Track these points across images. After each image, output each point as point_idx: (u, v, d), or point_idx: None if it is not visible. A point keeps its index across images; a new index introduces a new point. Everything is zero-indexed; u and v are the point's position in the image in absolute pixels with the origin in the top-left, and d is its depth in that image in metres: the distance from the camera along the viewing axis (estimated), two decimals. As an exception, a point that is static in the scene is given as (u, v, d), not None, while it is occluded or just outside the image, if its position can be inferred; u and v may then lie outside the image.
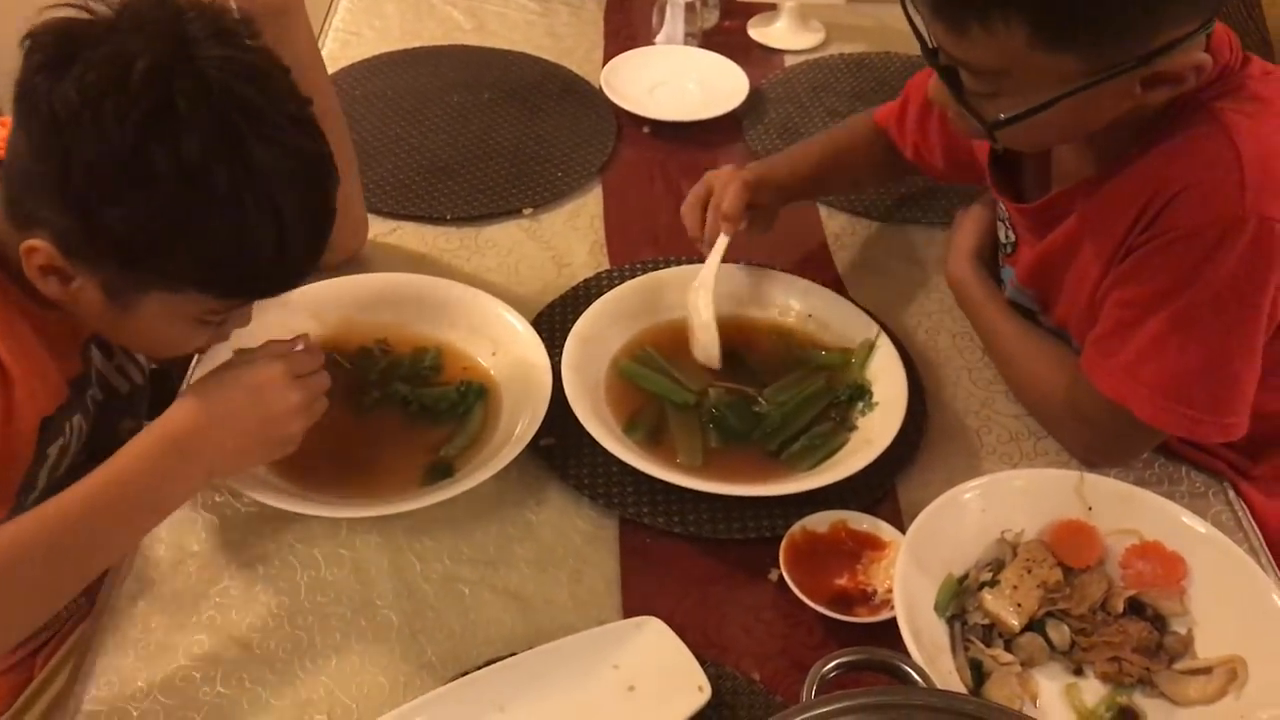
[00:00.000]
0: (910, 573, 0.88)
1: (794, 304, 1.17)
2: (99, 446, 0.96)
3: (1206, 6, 0.87)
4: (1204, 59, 0.87)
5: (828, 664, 0.76)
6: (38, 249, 0.82)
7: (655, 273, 1.19)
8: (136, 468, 0.84)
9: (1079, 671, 0.89)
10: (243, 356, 0.91)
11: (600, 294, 1.18)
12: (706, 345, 1.11)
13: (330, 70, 1.54)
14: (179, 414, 0.87)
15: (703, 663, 0.87)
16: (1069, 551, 0.94)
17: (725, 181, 1.16)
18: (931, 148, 1.22)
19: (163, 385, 1.12)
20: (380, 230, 1.30)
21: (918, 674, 0.76)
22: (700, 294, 1.12)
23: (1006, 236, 1.15)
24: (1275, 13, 1.66)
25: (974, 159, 1.15)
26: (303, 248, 0.85)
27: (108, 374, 1.02)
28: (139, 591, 0.93)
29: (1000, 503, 0.95)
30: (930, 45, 0.93)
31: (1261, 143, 0.90)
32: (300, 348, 0.93)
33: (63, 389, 0.93)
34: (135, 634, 0.90)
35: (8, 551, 0.78)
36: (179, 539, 0.97)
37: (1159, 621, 0.91)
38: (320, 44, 1.63)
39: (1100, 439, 1.04)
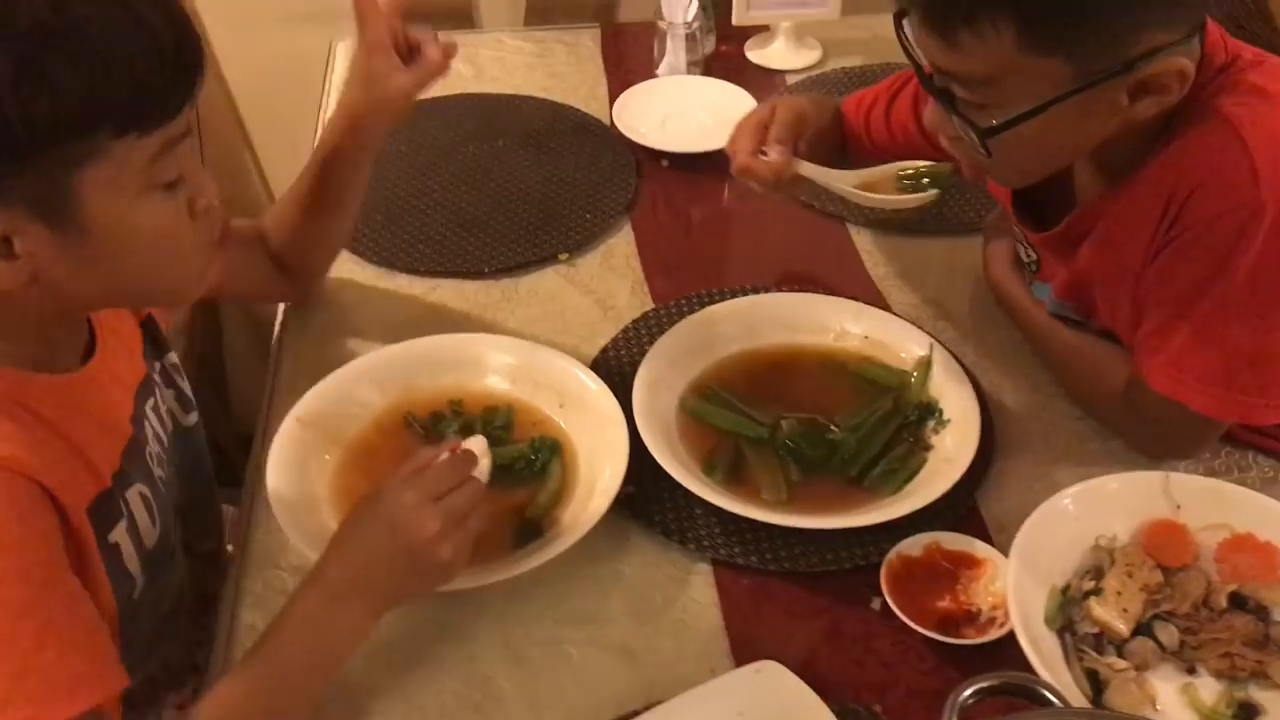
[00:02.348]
0: (1023, 586, 0.89)
1: (850, 327, 1.18)
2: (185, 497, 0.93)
3: (1190, 15, 0.90)
4: (1187, 65, 0.90)
5: (965, 691, 0.77)
6: None
7: (708, 309, 1.20)
8: (302, 631, 0.84)
9: (1191, 670, 0.90)
10: (380, 487, 0.88)
11: (650, 334, 1.19)
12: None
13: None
14: (329, 568, 0.86)
15: (823, 699, 0.88)
16: (1164, 552, 0.95)
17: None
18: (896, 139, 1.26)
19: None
20: (420, 290, 1.30)
21: (1053, 695, 0.77)
22: (830, 179, 1.20)
23: (1027, 256, 1.18)
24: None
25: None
26: (173, 37, 0.76)
27: (158, 431, 0.97)
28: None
29: (1092, 509, 0.96)
30: (924, 69, 0.96)
31: (1267, 131, 0.92)
32: (444, 456, 0.90)
33: (105, 469, 0.87)
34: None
35: None
36: (278, 628, 0.96)
37: (1262, 613, 0.92)
38: (323, 104, 1.63)
39: (1163, 435, 1.06)
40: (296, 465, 1.03)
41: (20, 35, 0.70)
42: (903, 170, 1.20)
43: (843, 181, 1.20)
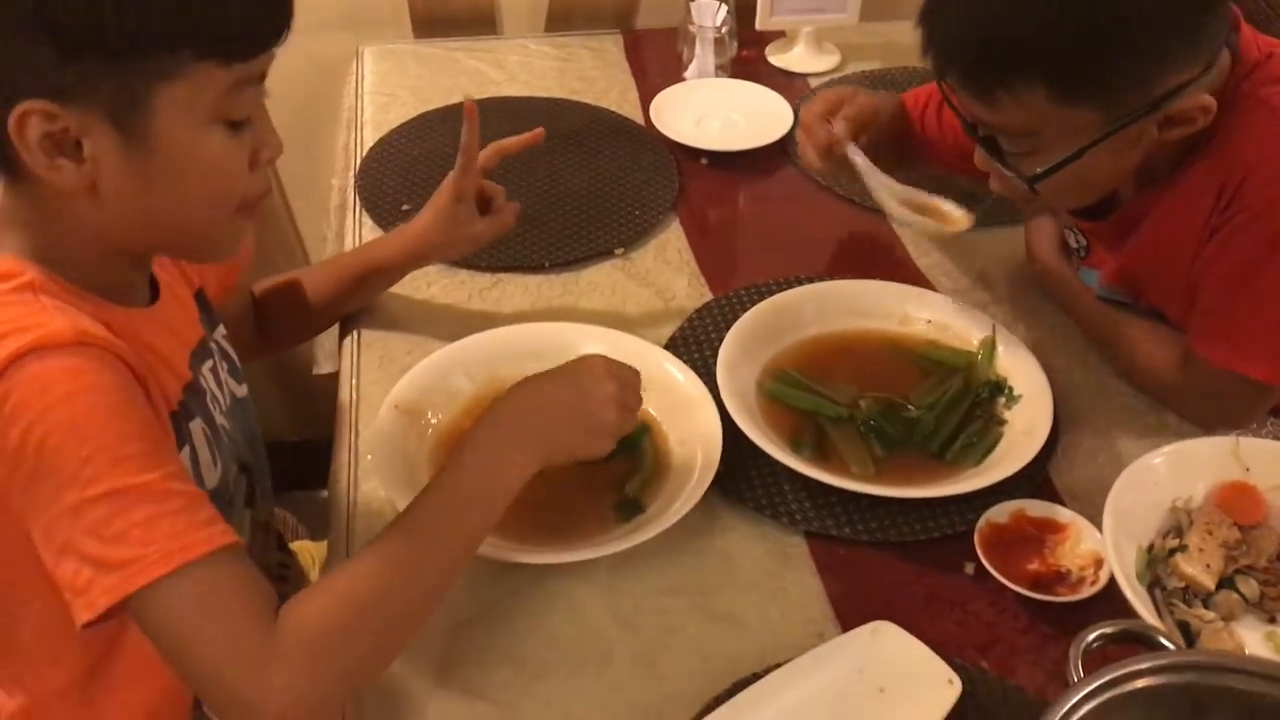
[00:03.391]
0: (1119, 542, 0.94)
1: (913, 312, 1.23)
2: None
3: (1203, 55, 0.98)
4: (1209, 101, 0.98)
5: (1090, 636, 0.81)
6: (30, 110, 0.75)
7: (778, 296, 1.23)
8: (475, 462, 0.87)
9: (1273, 620, 0.96)
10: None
11: (715, 323, 1.22)
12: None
13: (379, 133, 1.58)
14: (507, 404, 0.92)
15: (934, 657, 0.92)
16: (1237, 511, 1.01)
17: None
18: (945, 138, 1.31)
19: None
20: (482, 284, 1.32)
21: (1168, 641, 0.82)
22: (873, 180, 1.25)
23: (1077, 242, 1.24)
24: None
25: None
26: None
27: (215, 391, 0.99)
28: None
29: (1170, 472, 1.01)
30: (969, 121, 1.04)
31: None
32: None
33: (177, 390, 0.91)
34: (390, 698, 0.91)
35: (380, 570, 0.80)
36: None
37: (1333, 564, 0.98)
38: (359, 110, 1.65)
39: (1219, 407, 1.12)
40: (397, 450, 1.05)
41: None
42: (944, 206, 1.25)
43: (883, 188, 1.25)
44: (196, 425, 0.91)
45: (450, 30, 1.83)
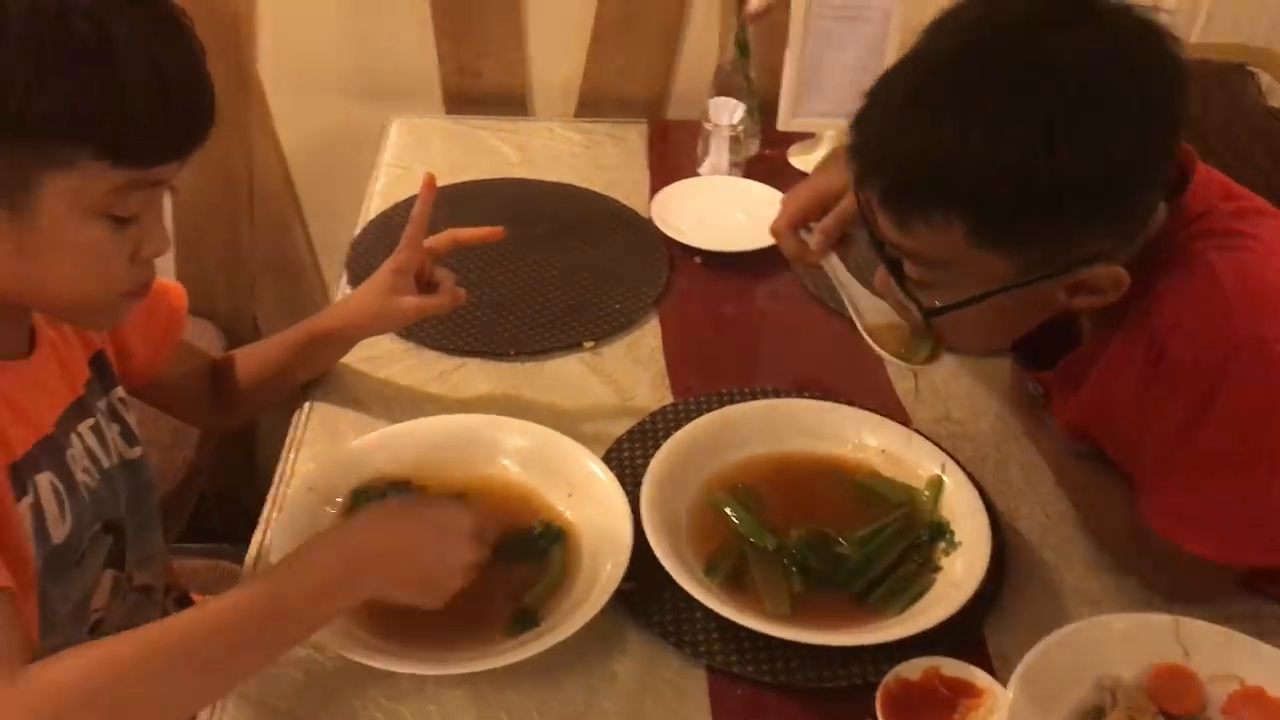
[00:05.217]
0: (1024, 716, 0.87)
1: (868, 439, 1.17)
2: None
3: (1124, 232, 0.94)
4: (1122, 275, 0.94)
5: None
6: None
7: (727, 409, 1.19)
8: (308, 578, 0.85)
9: (1193, 826, 0.87)
10: (429, 498, 0.94)
11: (668, 428, 1.18)
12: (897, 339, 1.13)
13: (383, 206, 1.59)
14: (362, 533, 0.90)
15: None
16: (1169, 698, 0.92)
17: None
18: None
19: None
20: (445, 368, 1.31)
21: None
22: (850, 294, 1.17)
23: (1035, 389, 1.17)
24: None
25: None
26: (183, 97, 0.82)
27: (93, 449, 1.00)
28: (227, 754, 0.91)
29: (1098, 647, 0.94)
30: (878, 240, 0.99)
31: (1244, 271, 0.94)
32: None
33: (27, 442, 0.91)
34: (223, 800, 0.89)
35: (147, 649, 0.78)
36: (263, 696, 0.95)
37: (1269, 771, 0.89)
38: (373, 180, 1.67)
39: (1173, 577, 1.05)
40: (303, 530, 1.03)
41: (52, 39, 0.77)
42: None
43: (858, 303, 1.18)
44: (44, 478, 0.91)
45: (482, 109, 1.85)
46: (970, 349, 1.11)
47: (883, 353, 1.13)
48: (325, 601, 0.86)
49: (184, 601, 1.17)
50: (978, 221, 0.90)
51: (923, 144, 0.90)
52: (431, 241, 1.18)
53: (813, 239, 1.21)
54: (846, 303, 1.20)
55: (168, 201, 0.91)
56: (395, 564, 0.90)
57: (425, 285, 1.19)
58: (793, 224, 1.22)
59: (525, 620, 1.00)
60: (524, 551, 1.05)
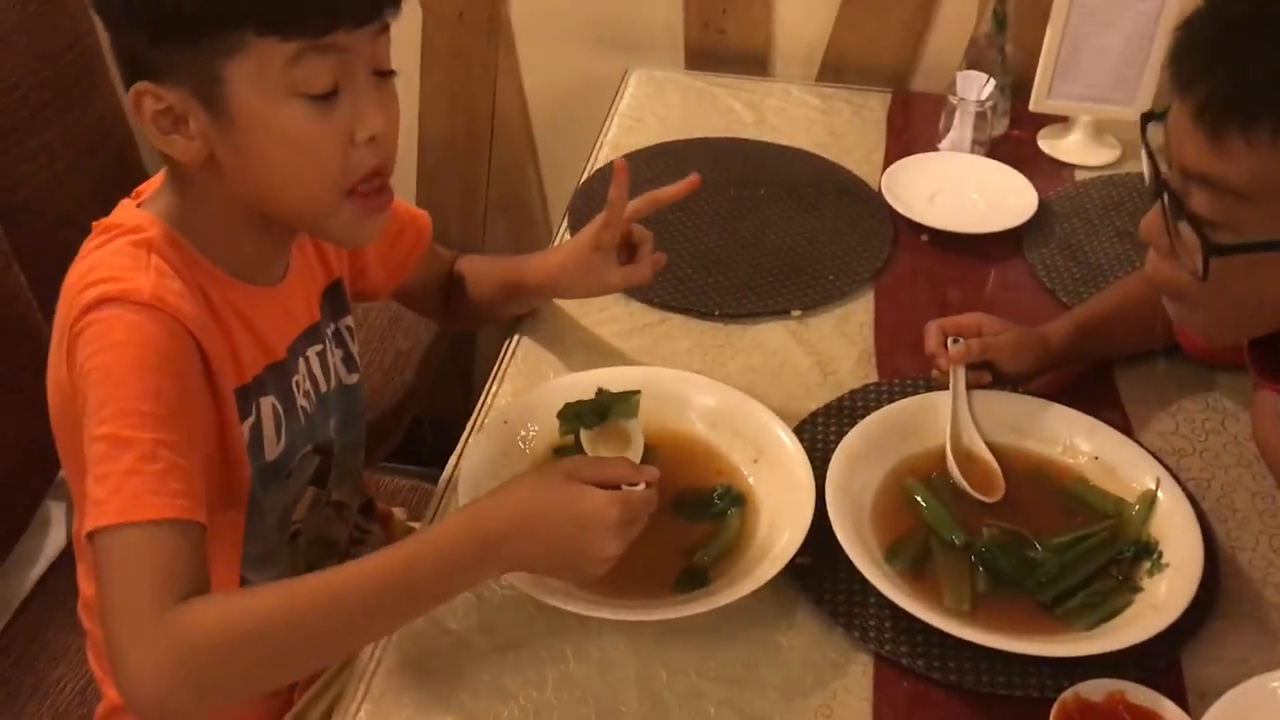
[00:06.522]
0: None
1: (1080, 443, 1.10)
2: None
3: None
4: None
5: None
6: (140, 91, 0.83)
7: (931, 394, 1.15)
8: (440, 553, 0.85)
9: None
10: (584, 469, 0.89)
11: (867, 409, 1.14)
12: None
13: (611, 155, 1.60)
14: (498, 513, 0.87)
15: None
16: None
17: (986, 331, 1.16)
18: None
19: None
20: (650, 320, 1.31)
21: None
22: (963, 420, 1.11)
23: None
24: None
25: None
26: None
27: (315, 374, 1.04)
28: (395, 665, 0.95)
29: (1310, 700, 0.85)
30: (1160, 172, 0.88)
31: None
32: (642, 487, 0.90)
33: (258, 365, 0.95)
34: (386, 706, 0.92)
35: (279, 610, 0.80)
36: (437, 615, 0.98)
37: None
38: (605, 129, 1.68)
39: None
40: (492, 460, 1.06)
41: None
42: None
43: (959, 423, 1.11)
44: (267, 401, 0.96)
45: (722, 66, 1.84)
46: (1219, 327, 0.99)
47: (959, 478, 1.06)
48: (457, 576, 0.87)
49: (368, 509, 1.22)
50: None
51: (1268, 46, 0.81)
52: (631, 208, 1.17)
53: (955, 348, 1.15)
54: (949, 416, 1.12)
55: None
56: (528, 549, 0.87)
57: (625, 245, 1.18)
58: (947, 328, 1.17)
59: (695, 578, 0.99)
60: (702, 510, 1.05)
